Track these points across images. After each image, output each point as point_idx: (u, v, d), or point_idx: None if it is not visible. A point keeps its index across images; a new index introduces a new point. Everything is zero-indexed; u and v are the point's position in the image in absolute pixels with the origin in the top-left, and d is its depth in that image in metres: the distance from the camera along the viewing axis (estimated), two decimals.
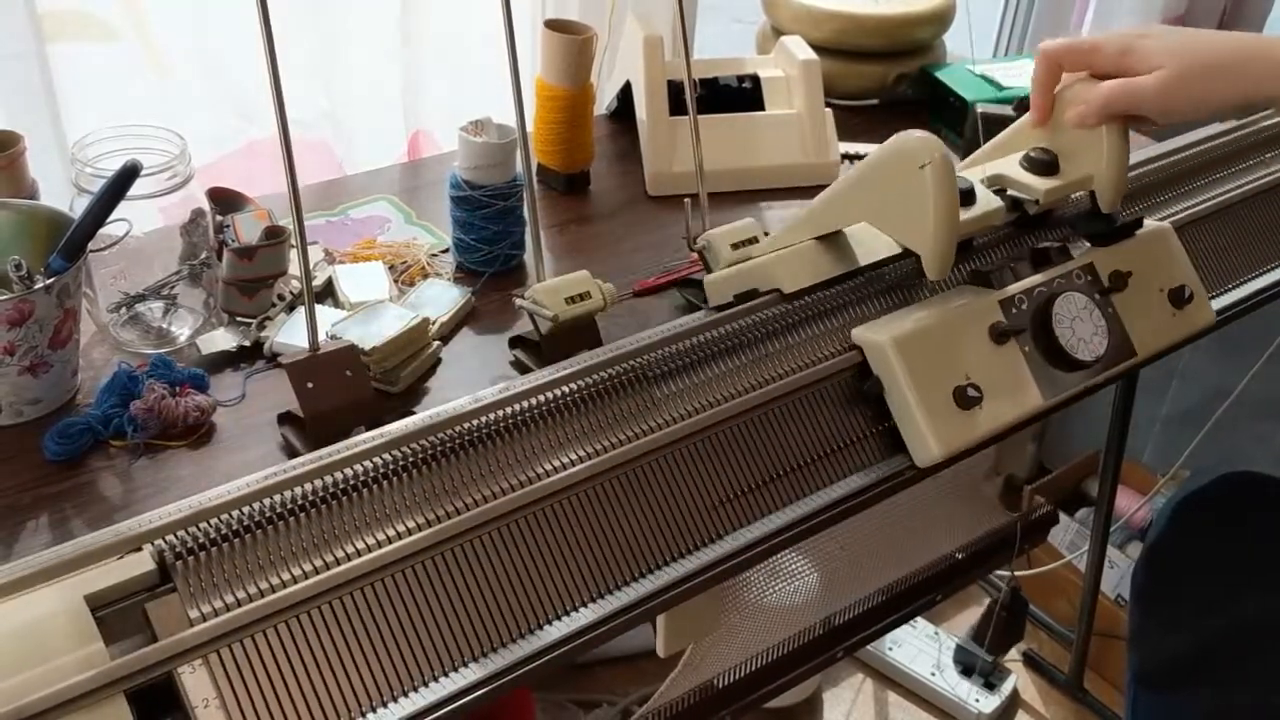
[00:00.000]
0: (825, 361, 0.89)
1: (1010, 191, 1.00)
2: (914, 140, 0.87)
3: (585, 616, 0.76)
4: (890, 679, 1.91)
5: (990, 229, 1.00)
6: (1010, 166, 0.99)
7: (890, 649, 1.91)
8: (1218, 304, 1.08)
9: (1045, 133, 1.00)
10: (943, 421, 0.86)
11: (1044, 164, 0.98)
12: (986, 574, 1.59)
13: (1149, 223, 1.04)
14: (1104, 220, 1.01)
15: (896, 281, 0.96)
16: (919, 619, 1.93)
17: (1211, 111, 0.91)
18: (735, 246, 1.01)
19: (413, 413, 0.84)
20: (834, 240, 0.96)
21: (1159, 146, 1.21)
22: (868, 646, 1.87)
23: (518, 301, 0.94)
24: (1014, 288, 0.94)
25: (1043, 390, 0.91)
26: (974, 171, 0.99)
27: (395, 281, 1.08)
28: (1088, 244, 1.01)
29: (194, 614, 0.66)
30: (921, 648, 1.91)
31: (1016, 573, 1.58)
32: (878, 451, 0.89)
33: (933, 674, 1.87)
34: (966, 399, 0.86)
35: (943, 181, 0.86)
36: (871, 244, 0.97)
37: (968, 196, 0.93)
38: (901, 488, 0.91)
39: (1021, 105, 1.33)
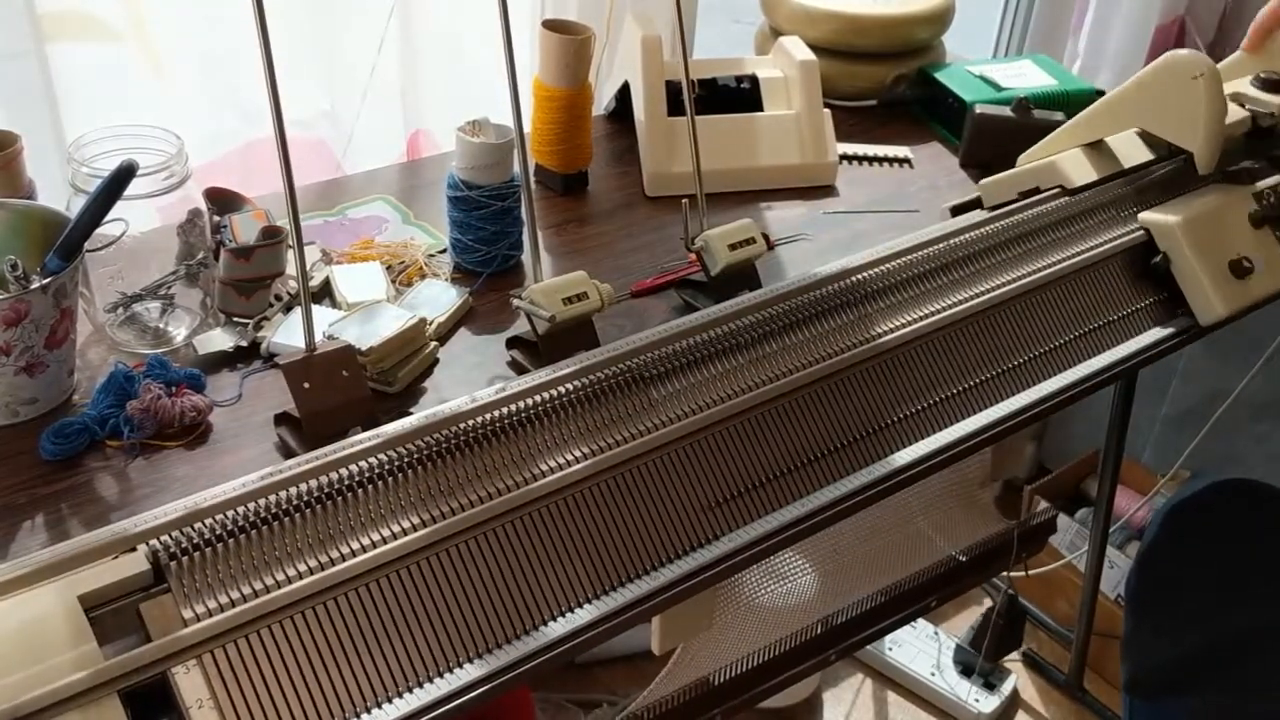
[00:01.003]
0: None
1: (1247, 107, 1.15)
2: (1186, 56, 1.05)
3: (583, 616, 0.76)
4: (890, 679, 1.91)
5: (1237, 137, 1.15)
6: (1244, 86, 1.16)
7: (890, 649, 1.90)
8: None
9: (1262, 61, 1.18)
10: (1224, 287, 1.05)
11: (1275, 83, 1.15)
12: (983, 581, 1.59)
13: None
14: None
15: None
16: (919, 619, 1.93)
17: None
18: (733, 247, 1.01)
19: (410, 413, 0.84)
20: (1097, 148, 1.14)
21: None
22: (867, 646, 1.86)
23: (515, 302, 0.93)
24: (1263, 184, 1.10)
25: None
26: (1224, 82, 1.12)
27: (393, 282, 1.08)
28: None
29: (188, 614, 0.66)
30: (921, 648, 1.91)
31: (1015, 573, 1.57)
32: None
33: (932, 674, 1.87)
34: (1241, 269, 1.04)
35: (1213, 89, 1.05)
36: (1125, 150, 1.16)
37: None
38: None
39: (1020, 106, 1.34)
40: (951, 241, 1.03)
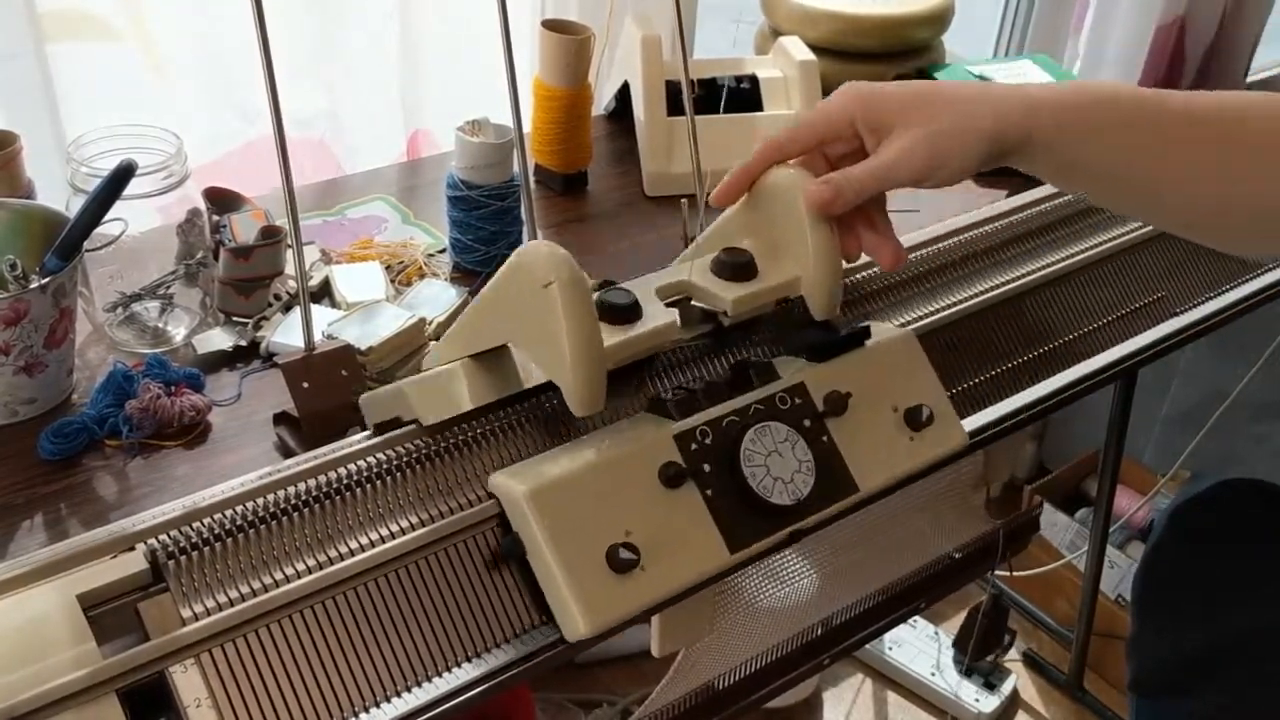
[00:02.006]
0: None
1: (694, 301, 0.85)
2: (536, 254, 0.73)
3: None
4: (890, 679, 1.91)
5: (666, 348, 0.84)
6: (699, 270, 0.84)
7: (890, 649, 1.90)
8: (974, 422, 0.96)
9: (760, 223, 0.84)
10: (595, 589, 0.71)
11: (735, 267, 0.83)
12: (969, 580, 1.58)
13: (884, 329, 0.90)
14: (819, 331, 0.85)
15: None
16: (918, 619, 1.93)
17: (965, 168, 0.77)
18: None
19: None
20: (497, 357, 0.81)
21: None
22: (867, 646, 1.86)
23: None
24: (696, 418, 0.78)
25: (729, 542, 0.76)
26: (663, 275, 0.85)
27: (392, 281, 1.08)
28: (804, 360, 0.85)
29: (186, 613, 0.66)
30: (921, 648, 1.91)
31: (1016, 572, 1.58)
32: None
33: (932, 674, 1.87)
34: (620, 562, 0.71)
35: (574, 303, 0.72)
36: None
37: (628, 312, 0.78)
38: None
39: None
40: (950, 241, 1.03)
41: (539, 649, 0.74)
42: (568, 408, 0.75)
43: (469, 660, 0.72)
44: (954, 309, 0.99)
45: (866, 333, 0.86)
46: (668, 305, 0.82)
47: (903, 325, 0.95)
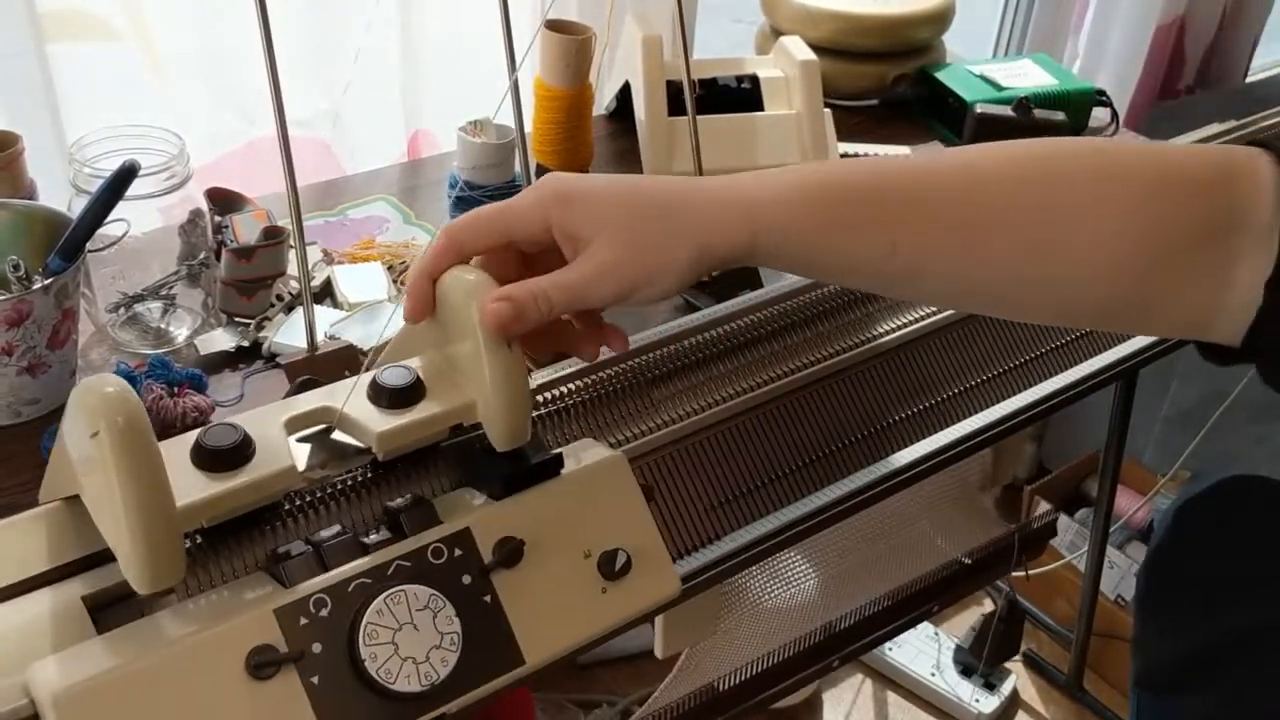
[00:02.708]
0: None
1: (336, 435, 0.71)
2: (90, 395, 0.59)
3: None
4: (890, 679, 1.91)
5: (272, 498, 0.66)
6: (356, 394, 0.69)
7: (890, 649, 1.90)
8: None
9: (438, 335, 0.70)
10: None
11: (396, 392, 0.68)
12: (983, 585, 1.58)
13: (592, 452, 0.74)
14: (501, 462, 0.69)
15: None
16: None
17: (675, 284, 0.67)
18: None
19: None
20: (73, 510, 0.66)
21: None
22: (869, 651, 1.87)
23: None
24: (316, 583, 0.62)
25: None
26: (317, 396, 0.71)
27: (394, 282, 1.08)
28: (484, 497, 0.70)
29: None
30: (921, 648, 1.91)
31: (1016, 573, 1.58)
32: None
33: (932, 674, 1.87)
34: None
35: (127, 455, 0.57)
36: None
37: (234, 455, 0.64)
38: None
39: (1021, 106, 1.34)
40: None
41: None
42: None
43: None
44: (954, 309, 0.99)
45: (559, 461, 0.71)
46: (302, 439, 0.70)
47: (902, 326, 0.95)
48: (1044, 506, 1.94)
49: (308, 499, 0.69)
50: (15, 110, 1.17)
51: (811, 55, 1.32)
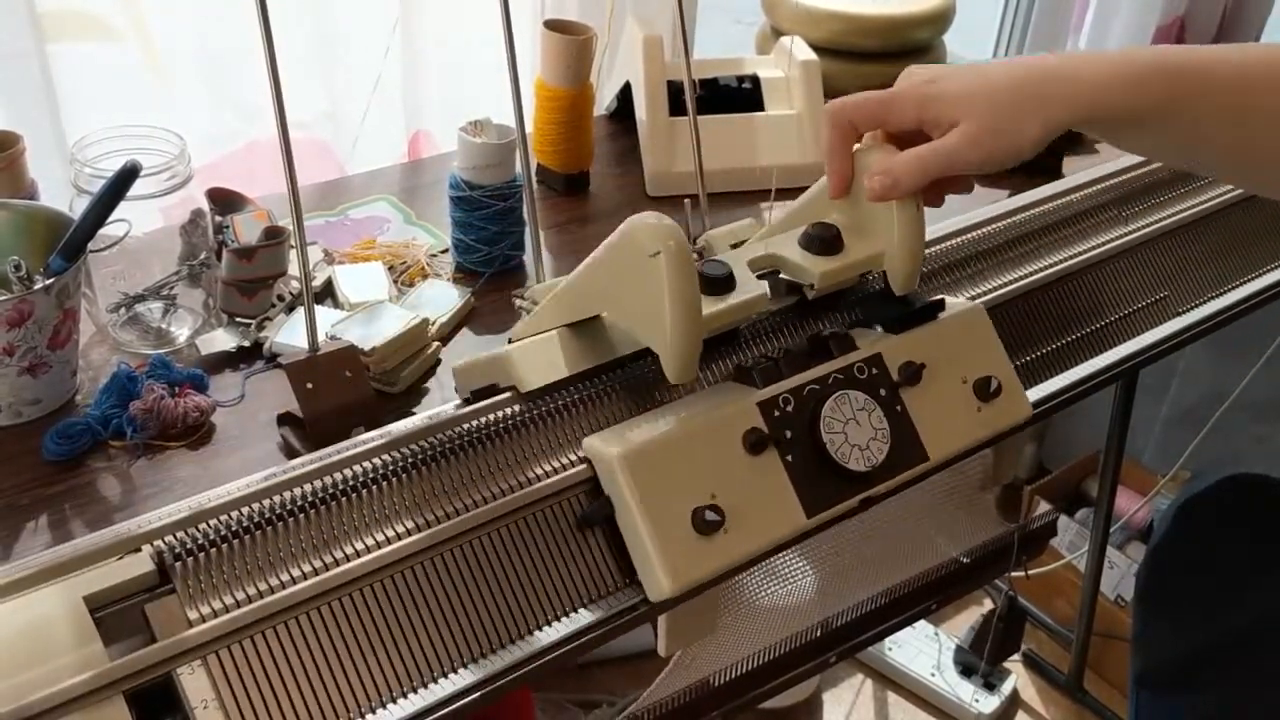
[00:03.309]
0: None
1: (782, 275, 0.88)
2: (645, 225, 0.75)
3: (585, 617, 0.76)
4: (890, 679, 1.91)
5: (753, 318, 0.87)
6: (787, 244, 0.87)
7: (890, 649, 1.90)
8: (1038, 393, 0.99)
9: (846, 202, 0.87)
10: (679, 550, 0.74)
11: (823, 241, 0.85)
12: (983, 584, 1.59)
13: (956, 303, 0.92)
14: (897, 304, 0.88)
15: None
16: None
17: (1028, 149, 0.80)
18: (735, 247, 1.01)
19: (413, 413, 0.84)
20: (589, 327, 0.84)
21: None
22: (868, 647, 1.87)
23: (518, 302, 0.94)
24: (778, 386, 0.80)
25: (806, 506, 0.79)
26: (754, 247, 0.89)
27: (395, 282, 1.08)
28: (881, 330, 0.88)
29: (193, 615, 0.66)
30: (921, 648, 1.91)
31: (1015, 573, 1.58)
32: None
33: (932, 674, 1.87)
34: (705, 523, 0.74)
35: (678, 272, 0.74)
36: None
37: (724, 283, 0.82)
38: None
39: None
40: (951, 243, 1.03)
41: (541, 650, 0.74)
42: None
43: (473, 662, 0.72)
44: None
45: (941, 305, 0.89)
46: (759, 278, 0.86)
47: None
48: (1044, 507, 1.94)
49: (755, 326, 0.88)
50: (16, 110, 1.17)
51: (812, 55, 1.32)
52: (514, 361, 0.81)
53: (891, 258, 0.85)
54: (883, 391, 0.83)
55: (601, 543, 0.77)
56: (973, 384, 0.87)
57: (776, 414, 0.79)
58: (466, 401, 0.80)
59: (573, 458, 0.78)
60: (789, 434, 0.79)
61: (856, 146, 0.85)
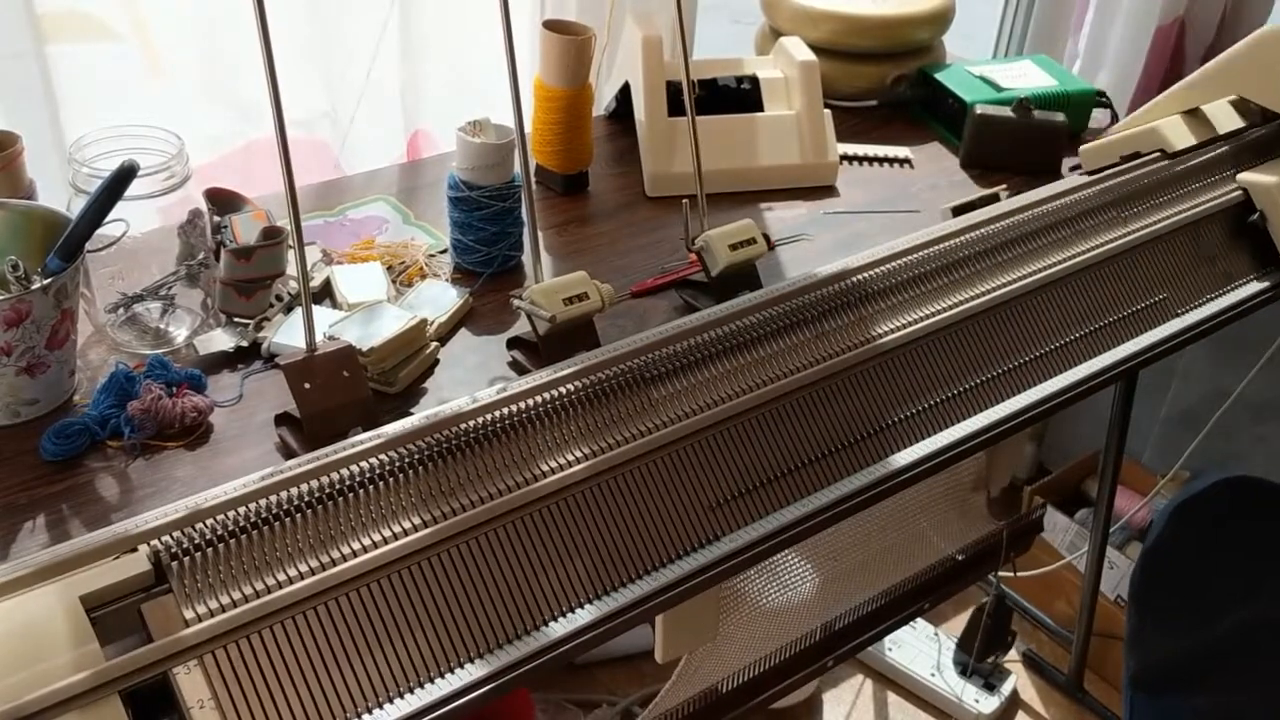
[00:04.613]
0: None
1: None
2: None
3: (584, 616, 0.76)
4: (890, 679, 1.91)
5: None
6: None
7: (890, 649, 1.90)
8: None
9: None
10: None
11: None
12: (973, 582, 1.59)
13: None
14: None
15: (1260, 143, 1.20)
16: (918, 619, 1.93)
17: None
18: (734, 247, 1.01)
19: (410, 413, 0.84)
20: (1193, 115, 1.20)
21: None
22: (867, 648, 1.87)
23: (515, 302, 0.93)
24: None
25: None
26: None
27: (393, 282, 1.08)
28: None
29: (189, 614, 0.66)
30: (921, 648, 1.91)
31: (1018, 573, 1.58)
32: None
33: (932, 674, 1.87)
34: None
35: None
36: (1220, 118, 1.22)
37: None
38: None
39: (1020, 107, 1.34)
40: (951, 243, 1.03)
41: (540, 650, 0.74)
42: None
43: (471, 661, 0.72)
44: (956, 310, 0.99)
45: None
46: None
47: (902, 326, 0.96)
48: (1032, 505, 1.94)
49: None
50: (15, 110, 1.17)
51: (811, 56, 1.32)
52: (1157, 133, 1.15)
53: None
54: None
55: (602, 543, 0.77)
56: None
57: None
58: (1099, 170, 1.12)
59: (573, 457, 0.78)
60: None
61: None
